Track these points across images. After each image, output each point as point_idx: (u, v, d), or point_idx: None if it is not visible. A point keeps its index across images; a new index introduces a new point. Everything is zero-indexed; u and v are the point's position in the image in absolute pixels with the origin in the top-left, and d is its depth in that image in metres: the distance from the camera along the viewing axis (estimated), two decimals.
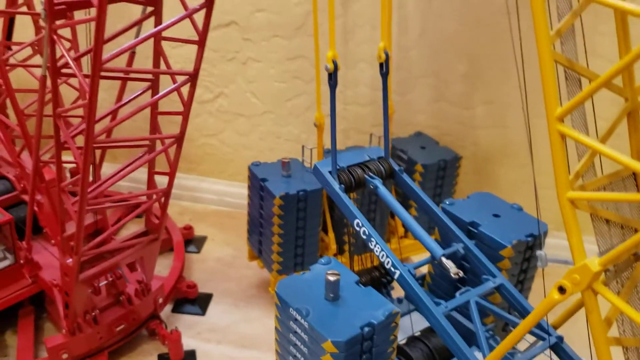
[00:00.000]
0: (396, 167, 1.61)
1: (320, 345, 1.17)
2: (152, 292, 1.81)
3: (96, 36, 1.11)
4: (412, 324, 1.52)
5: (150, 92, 1.46)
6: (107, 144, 1.61)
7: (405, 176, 1.60)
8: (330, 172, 1.55)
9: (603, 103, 1.08)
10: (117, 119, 1.34)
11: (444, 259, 1.39)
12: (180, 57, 2.32)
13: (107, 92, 1.88)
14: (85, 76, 1.24)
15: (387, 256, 1.40)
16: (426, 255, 1.47)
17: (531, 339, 1.30)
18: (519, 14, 1.10)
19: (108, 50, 1.16)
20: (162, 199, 1.62)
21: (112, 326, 1.72)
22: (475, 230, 1.48)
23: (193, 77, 1.38)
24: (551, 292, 1.04)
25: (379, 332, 1.21)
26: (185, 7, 1.27)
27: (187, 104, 1.44)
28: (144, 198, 1.63)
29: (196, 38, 1.34)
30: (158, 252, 1.77)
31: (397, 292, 1.59)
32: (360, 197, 1.94)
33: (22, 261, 1.80)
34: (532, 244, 1.47)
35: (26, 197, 1.96)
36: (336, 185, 1.53)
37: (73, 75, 1.31)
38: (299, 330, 1.23)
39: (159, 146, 1.54)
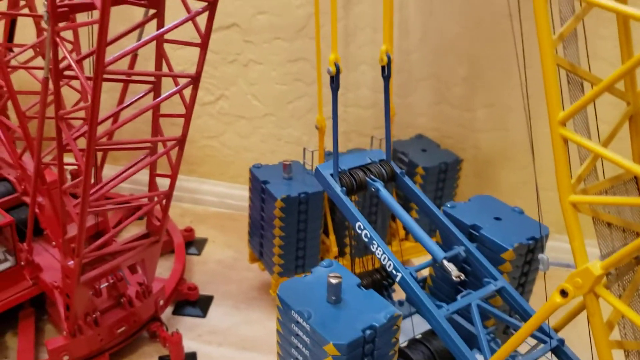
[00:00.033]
0: (398, 170, 1.61)
1: (322, 348, 1.17)
2: (153, 294, 1.81)
3: (99, 39, 1.11)
4: (413, 327, 1.52)
5: (152, 94, 1.46)
6: (109, 146, 1.61)
7: (406, 179, 1.60)
8: (332, 175, 1.55)
9: (605, 106, 1.09)
10: (119, 122, 1.34)
11: (445, 262, 1.39)
12: (182, 58, 2.32)
13: (107, 93, 1.87)
14: (88, 78, 1.25)
15: (389, 259, 1.40)
16: (427, 257, 1.47)
17: (532, 341, 1.30)
18: (520, 17, 1.10)
19: (110, 53, 1.16)
20: (164, 201, 1.62)
21: (113, 328, 1.72)
22: (477, 233, 1.48)
23: (195, 80, 1.38)
24: (553, 295, 1.04)
25: (380, 334, 1.21)
26: (187, 9, 1.27)
27: (189, 107, 1.44)
28: (145, 200, 1.63)
29: (198, 40, 1.34)
30: (159, 254, 1.77)
31: (399, 294, 1.59)
32: (361, 200, 1.95)
33: (22, 263, 1.80)
34: (534, 246, 1.47)
35: (27, 199, 1.96)
36: (338, 188, 1.53)
37: (75, 78, 1.31)
38: (300, 333, 1.23)
39: (160, 148, 1.54)
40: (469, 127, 2.28)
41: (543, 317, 1.09)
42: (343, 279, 1.25)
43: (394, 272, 1.39)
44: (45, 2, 1.20)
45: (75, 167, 2.10)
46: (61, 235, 1.51)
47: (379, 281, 1.62)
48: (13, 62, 1.73)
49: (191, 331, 1.92)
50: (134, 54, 1.78)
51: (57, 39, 1.23)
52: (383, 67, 1.55)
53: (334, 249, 2.04)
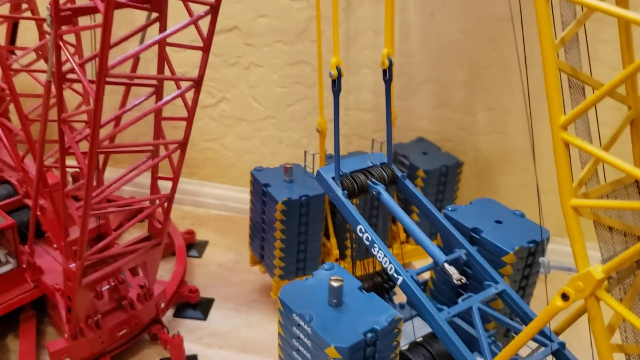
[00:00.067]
0: (399, 173, 1.61)
1: (323, 351, 1.18)
2: (154, 297, 1.81)
3: (102, 42, 1.12)
4: (414, 330, 1.52)
5: (154, 97, 1.47)
6: (112, 149, 1.61)
7: (407, 182, 1.60)
8: (333, 178, 1.55)
9: (606, 110, 1.09)
10: (121, 125, 1.34)
11: (446, 265, 1.39)
12: (183, 61, 2.32)
13: (109, 96, 1.87)
14: (90, 81, 1.25)
15: (390, 262, 1.40)
16: (428, 260, 1.47)
17: (533, 345, 1.30)
18: (522, 20, 1.11)
19: (112, 56, 1.16)
20: (165, 204, 1.62)
21: (114, 331, 1.72)
22: (478, 237, 1.48)
23: (197, 83, 1.38)
24: (554, 299, 1.04)
25: (382, 338, 1.21)
26: (190, 13, 1.27)
27: (191, 110, 1.44)
28: (147, 203, 1.63)
29: (199, 42, 1.34)
30: (160, 257, 1.77)
31: (399, 297, 1.59)
32: (362, 203, 1.95)
33: (24, 265, 1.80)
34: (534, 250, 1.47)
35: (28, 202, 1.96)
36: (339, 191, 1.53)
37: (77, 81, 1.32)
38: (302, 336, 1.24)
39: (162, 151, 1.54)
40: (469, 130, 2.28)
41: (544, 321, 1.10)
42: (344, 282, 1.26)
43: (395, 275, 1.40)
44: (49, 6, 1.20)
45: (76, 169, 2.11)
46: (63, 237, 1.52)
47: (380, 284, 1.63)
48: (15, 65, 1.73)
49: (192, 334, 1.92)
50: (136, 57, 1.78)
51: (60, 43, 1.23)
52: (384, 71, 1.55)
53: (335, 252, 2.04)
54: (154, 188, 1.62)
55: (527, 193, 2.20)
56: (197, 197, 2.61)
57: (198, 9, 1.27)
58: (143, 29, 1.31)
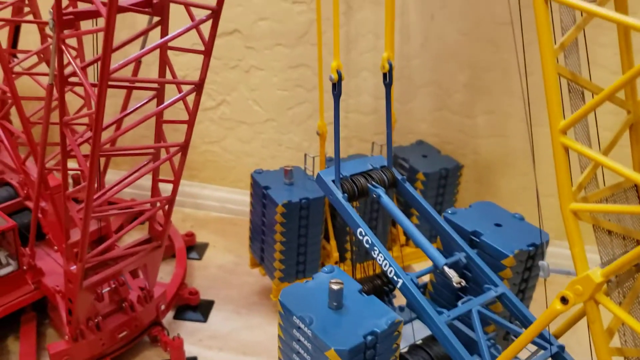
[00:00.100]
0: (399, 176, 1.62)
1: (323, 354, 1.18)
2: (155, 299, 1.82)
3: (104, 46, 1.12)
4: (413, 332, 1.53)
5: (155, 100, 1.47)
6: (113, 152, 1.62)
7: (407, 185, 1.61)
8: (333, 181, 1.56)
9: (605, 115, 1.10)
10: (122, 128, 1.35)
11: (446, 268, 1.40)
12: (184, 64, 2.33)
13: (110, 99, 1.88)
14: (92, 85, 1.26)
15: (390, 265, 1.41)
16: (427, 263, 1.48)
17: (533, 347, 1.30)
18: (522, 24, 1.11)
19: (114, 59, 1.17)
20: (166, 207, 1.62)
21: (114, 333, 1.73)
22: (477, 240, 1.49)
23: (199, 87, 1.39)
24: (553, 302, 1.05)
25: (381, 340, 1.21)
26: (192, 18, 1.28)
27: (193, 113, 1.45)
28: (147, 206, 1.63)
29: (200, 46, 1.35)
30: (161, 259, 1.78)
31: (399, 300, 1.59)
32: (362, 205, 1.95)
33: (25, 267, 1.81)
34: (534, 253, 1.48)
35: (29, 204, 1.97)
36: (339, 194, 1.54)
37: (79, 84, 1.32)
38: (302, 339, 1.24)
39: (163, 154, 1.55)
40: (469, 133, 2.29)
41: (544, 324, 1.10)
42: (344, 284, 1.26)
43: (395, 278, 1.40)
44: (51, 10, 1.20)
45: (77, 172, 2.11)
46: (64, 240, 1.52)
47: (380, 287, 1.63)
48: (17, 68, 1.74)
49: (192, 336, 1.92)
50: (137, 60, 1.79)
51: (62, 46, 1.24)
52: (385, 74, 1.56)
53: (335, 255, 2.05)
54: (155, 190, 1.62)
55: (526, 196, 2.20)
56: (198, 200, 2.61)
57: (199, 13, 1.27)
58: (145, 32, 1.31)
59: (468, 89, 2.23)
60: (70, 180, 2.21)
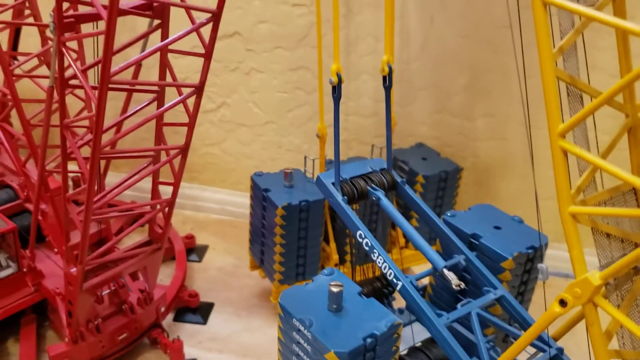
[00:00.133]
0: (398, 179, 1.62)
1: (323, 356, 1.18)
2: (154, 301, 1.82)
3: (105, 49, 1.13)
4: (413, 335, 1.53)
5: (155, 103, 1.47)
6: (114, 154, 1.62)
7: (407, 188, 1.61)
8: (333, 184, 1.56)
9: (604, 118, 1.10)
10: (123, 131, 1.35)
11: (445, 271, 1.40)
12: (184, 67, 2.34)
13: (110, 102, 1.88)
14: (92, 88, 1.26)
15: (390, 268, 1.41)
16: (427, 265, 1.48)
17: (532, 350, 1.31)
18: (520, 27, 1.12)
19: (114, 62, 1.17)
20: (166, 209, 1.63)
21: (114, 335, 1.73)
22: (477, 242, 1.49)
23: (199, 89, 1.39)
24: (552, 305, 1.05)
25: (381, 343, 1.22)
26: (192, 21, 1.28)
27: (193, 116, 1.45)
28: (148, 208, 1.64)
29: (200, 48, 1.35)
30: (161, 262, 1.78)
31: (399, 302, 1.60)
32: (362, 208, 1.96)
33: (25, 270, 1.81)
34: (533, 256, 1.48)
35: (29, 206, 1.97)
36: (339, 197, 1.54)
37: (80, 87, 1.33)
38: (302, 341, 1.24)
39: (163, 156, 1.55)
40: (469, 136, 2.30)
41: (542, 327, 1.10)
42: (344, 287, 1.26)
43: (394, 280, 1.40)
44: (52, 13, 1.21)
45: (77, 174, 2.11)
46: (64, 242, 1.52)
47: (380, 289, 1.63)
48: (17, 71, 1.74)
49: (192, 338, 1.92)
50: (137, 63, 1.79)
51: (63, 49, 1.24)
52: (384, 77, 1.56)
53: (335, 257, 2.05)
54: (155, 193, 1.63)
55: (525, 199, 2.20)
56: (198, 202, 2.62)
57: (200, 16, 1.28)
58: (145, 35, 1.32)
59: (468, 91, 2.23)
60: (70, 183, 2.21)
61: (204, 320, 2.01)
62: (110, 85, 1.20)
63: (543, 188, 1.31)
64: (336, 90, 1.52)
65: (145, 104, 1.43)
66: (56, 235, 1.89)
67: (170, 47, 1.34)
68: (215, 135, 2.53)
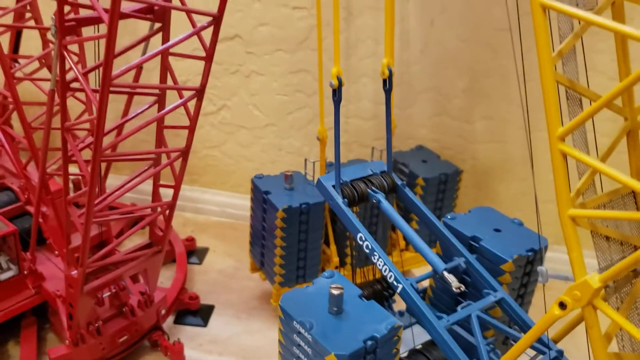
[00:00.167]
0: (399, 182, 1.62)
1: (323, 359, 1.18)
2: (155, 304, 1.82)
3: (106, 53, 1.13)
4: (413, 337, 1.53)
5: (156, 105, 1.48)
6: (115, 157, 1.63)
7: (407, 190, 1.61)
8: (333, 187, 1.57)
9: (603, 121, 1.11)
10: (124, 134, 1.36)
11: (446, 274, 1.40)
12: (184, 69, 2.34)
13: (110, 104, 1.89)
14: (93, 90, 1.26)
15: (390, 270, 1.41)
16: (427, 268, 1.48)
17: (531, 352, 1.31)
18: (520, 31, 1.12)
19: (115, 65, 1.18)
20: (167, 212, 1.63)
21: (114, 337, 1.73)
22: (477, 245, 1.49)
23: (200, 92, 1.39)
24: (552, 307, 1.05)
25: (381, 345, 1.22)
26: (193, 24, 1.29)
27: (194, 119, 1.45)
28: (148, 210, 1.64)
29: (201, 51, 1.36)
30: (161, 264, 1.78)
31: (399, 305, 1.60)
32: (362, 210, 1.96)
33: (25, 272, 1.81)
34: (533, 258, 1.48)
35: (30, 208, 1.97)
36: (340, 200, 1.54)
37: (81, 90, 1.33)
38: (302, 344, 1.25)
39: (164, 159, 1.55)
40: (468, 138, 2.30)
41: (542, 329, 1.11)
42: (344, 289, 1.27)
43: (394, 283, 1.40)
44: (53, 16, 1.21)
45: (77, 176, 2.12)
46: (65, 244, 1.53)
47: (380, 292, 1.64)
48: (18, 74, 1.74)
49: (192, 340, 1.93)
50: (138, 66, 1.80)
51: (64, 52, 1.25)
52: (384, 80, 1.56)
53: (335, 259, 2.05)
54: (156, 195, 1.63)
55: (525, 202, 2.21)
56: (198, 204, 2.62)
57: (201, 19, 1.28)
58: (146, 39, 1.32)
59: (467, 94, 2.24)
60: (70, 185, 2.22)
61: (205, 322, 2.01)
62: (112, 89, 1.20)
63: (543, 191, 1.31)
64: (336, 94, 1.53)
65: (146, 106, 1.43)
66: (57, 238, 1.89)
67: (172, 50, 1.34)
68: (216, 137, 2.54)
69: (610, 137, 1.11)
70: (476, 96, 2.23)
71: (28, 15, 1.87)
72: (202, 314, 2.04)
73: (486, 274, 1.43)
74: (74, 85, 1.31)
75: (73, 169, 1.47)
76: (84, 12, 1.31)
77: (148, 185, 1.61)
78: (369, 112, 2.33)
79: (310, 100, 2.34)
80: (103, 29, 1.14)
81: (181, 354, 1.79)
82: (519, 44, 1.11)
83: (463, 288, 1.39)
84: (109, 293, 1.73)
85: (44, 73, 1.86)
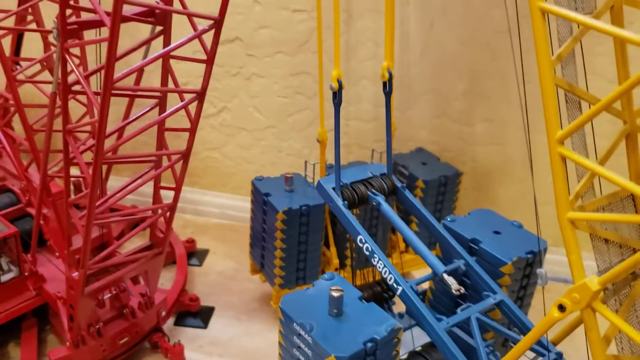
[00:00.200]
0: (399, 184, 1.63)
1: None
2: (155, 305, 1.82)
3: (108, 56, 1.14)
4: (413, 339, 1.53)
5: (157, 108, 1.48)
6: (116, 159, 1.63)
7: (407, 193, 1.62)
8: (333, 189, 1.57)
9: (603, 123, 1.11)
10: (125, 136, 1.36)
11: (445, 276, 1.41)
12: (185, 72, 2.34)
13: (112, 107, 1.90)
14: (95, 93, 1.27)
15: (390, 272, 1.42)
16: (427, 270, 1.49)
17: (531, 354, 1.31)
18: (519, 33, 1.13)
19: (117, 68, 1.18)
20: (167, 214, 1.63)
21: (115, 339, 1.73)
22: (476, 247, 1.50)
23: (201, 95, 1.40)
24: (551, 310, 1.06)
25: (381, 347, 1.23)
26: (194, 28, 1.29)
27: (195, 121, 1.46)
28: (149, 212, 1.64)
29: (202, 53, 1.36)
30: (162, 266, 1.79)
31: (399, 307, 1.60)
32: (362, 212, 1.96)
33: (26, 274, 1.81)
34: (532, 260, 1.49)
35: (31, 210, 1.97)
36: (340, 202, 1.55)
37: (82, 93, 1.34)
38: (302, 346, 1.25)
39: (165, 161, 1.56)
40: (468, 141, 2.30)
41: (541, 331, 1.11)
42: (344, 292, 1.27)
43: (394, 285, 1.41)
44: (55, 20, 1.22)
45: (79, 178, 2.12)
46: (66, 246, 1.53)
47: (380, 294, 1.64)
48: (20, 76, 1.75)
49: (192, 342, 1.93)
50: (140, 69, 1.80)
51: (66, 55, 1.25)
52: (384, 83, 1.57)
53: (335, 261, 2.06)
54: (157, 197, 1.64)
55: (525, 204, 2.21)
56: (198, 206, 2.62)
57: (202, 22, 1.29)
58: (148, 42, 1.33)
59: (467, 96, 2.24)
60: (71, 187, 2.22)
61: (205, 324, 2.02)
62: (113, 92, 1.21)
63: (542, 193, 1.32)
64: (337, 96, 1.53)
65: (147, 109, 1.44)
66: (58, 240, 1.89)
67: (173, 53, 1.35)
68: (216, 139, 2.54)
69: (610, 139, 1.12)
70: (476, 98, 2.23)
71: (30, 18, 1.87)
72: (202, 315, 2.04)
73: (486, 276, 1.43)
74: (76, 87, 1.32)
75: (74, 171, 1.48)
76: (85, 16, 1.31)
77: (149, 188, 1.61)
78: (369, 114, 2.33)
79: (310, 103, 2.35)
80: (105, 32, 1.14)
81: (181, 356, 1.80)
82: (519, 46, 1.11)
83: (463, 290, 1.40)
84: (109, 295, 1.74)
85: (46, 75, 1.86)
